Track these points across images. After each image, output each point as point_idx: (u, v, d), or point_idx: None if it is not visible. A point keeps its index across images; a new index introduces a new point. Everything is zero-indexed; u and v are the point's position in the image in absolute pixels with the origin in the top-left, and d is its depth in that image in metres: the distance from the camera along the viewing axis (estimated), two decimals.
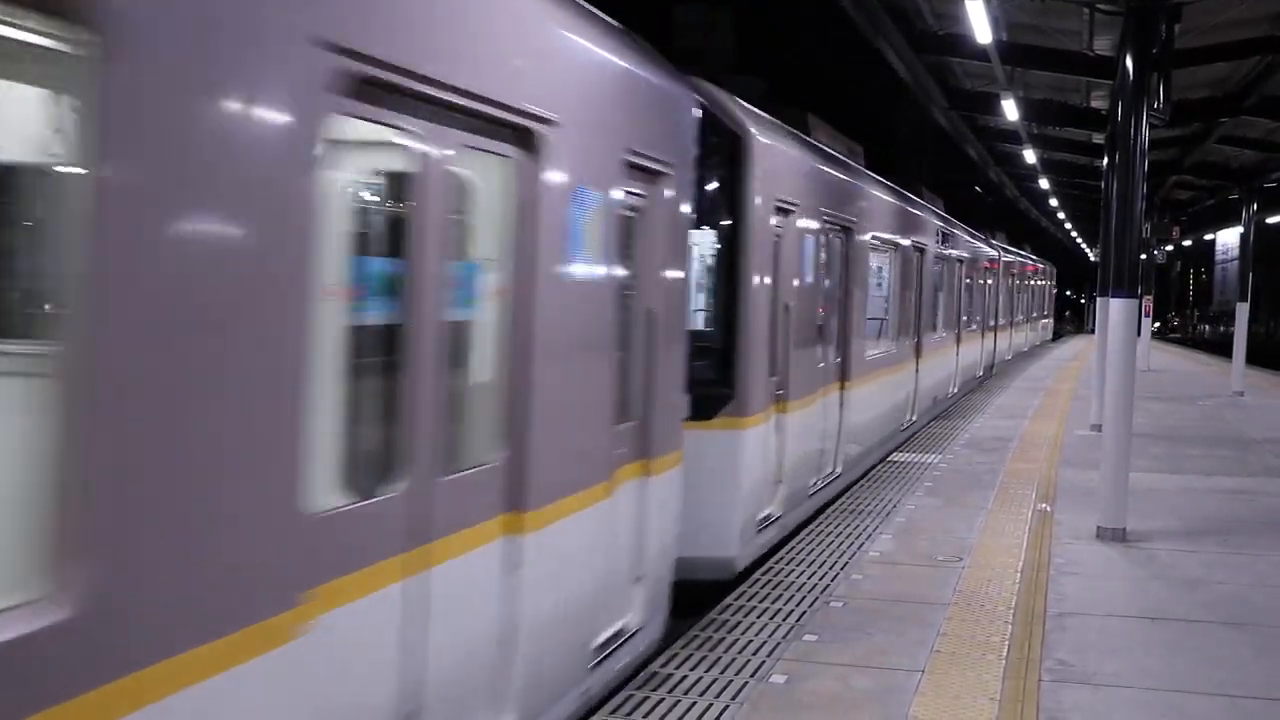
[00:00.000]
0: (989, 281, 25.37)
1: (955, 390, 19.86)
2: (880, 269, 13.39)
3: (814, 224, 9.53)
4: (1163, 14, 9.79)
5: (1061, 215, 44.60)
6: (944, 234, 17.80)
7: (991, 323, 26.17)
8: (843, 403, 10.86)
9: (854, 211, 11.09)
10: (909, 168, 29.25)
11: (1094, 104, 19.18)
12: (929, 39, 15.81)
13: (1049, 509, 10.37)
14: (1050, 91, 18.96)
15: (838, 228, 10.60)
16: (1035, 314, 40.98)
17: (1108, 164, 16.89)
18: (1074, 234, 55.74)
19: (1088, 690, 5.83)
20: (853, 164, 11.89)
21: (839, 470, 10.86)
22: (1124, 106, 9.88)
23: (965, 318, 21.11)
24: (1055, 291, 53.81)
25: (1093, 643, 6.57)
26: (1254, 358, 26.75)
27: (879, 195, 12.73)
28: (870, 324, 12.46)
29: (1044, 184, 31.42)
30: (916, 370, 15.31)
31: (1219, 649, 6.54)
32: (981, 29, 12.82)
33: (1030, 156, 24.44)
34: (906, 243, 14.32)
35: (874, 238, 12.17)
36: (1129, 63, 9.74)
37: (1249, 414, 19.40)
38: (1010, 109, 17.86)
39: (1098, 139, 20.76)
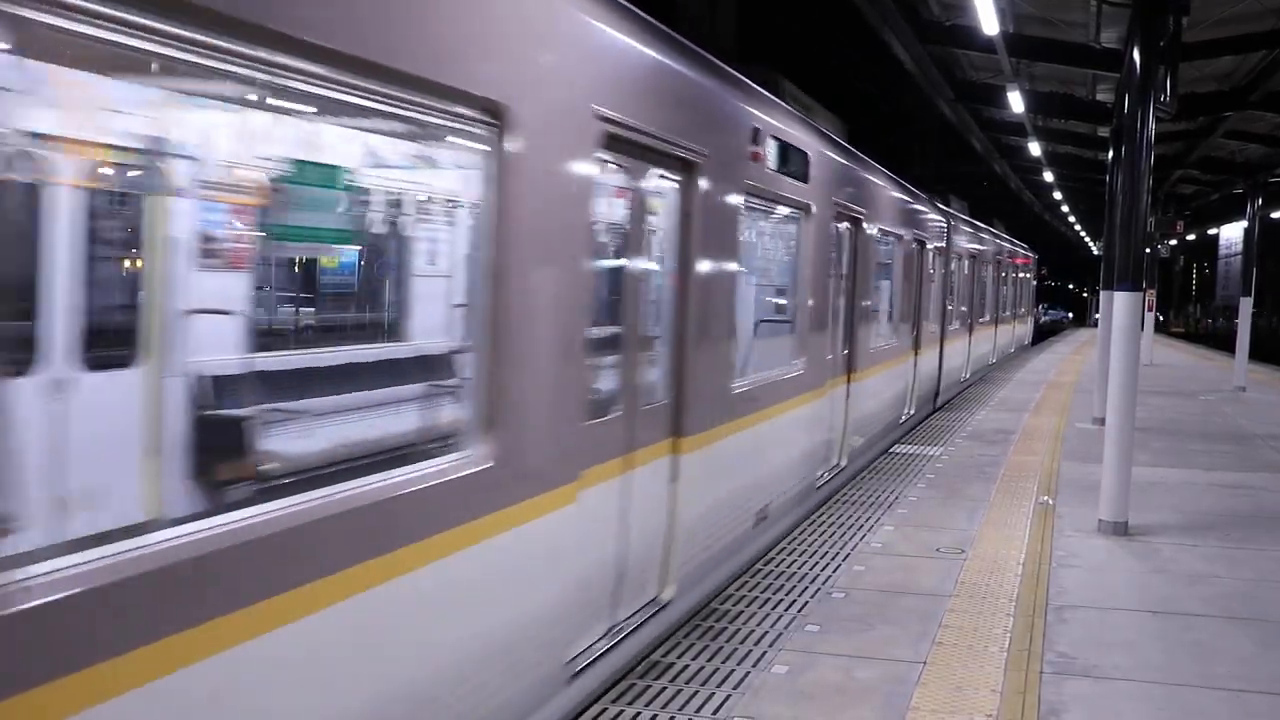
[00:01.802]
0: (932, 267, 16.88)
1: (841, 463, 10.92)
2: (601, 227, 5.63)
3: None
4: (1170, 7, 9.76)
5: (1065, 208, 44.58)
6: (821, 171, 9.27)
7: (935, 328, 17.43)
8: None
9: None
10: (912, 156, 29.26)
11: (1100, 97, 19.16)
12: (935, 30, 15.80)
13: (1051, 502, 10.37)
14: (1056, 84, 18.95)
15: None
16: (1011, 312, 30.44)
17: (1113, 157, 16.85)
18: (1077, 227, 55.75)
19: (1088, 683, 5.83)
20: None
21: None
22: (1130, 100, 9.85)
23: (881, 326, 13.30)
24: (1036, 284, 43.26)
25: (1094, 636, 6.57)
26: (1256, 353, 26.75)
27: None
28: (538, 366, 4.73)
29: (1048, 177, 31.40)
30: (762, 447, 7.89)
31: (1221, 643, 6.54)
32: (988, 20, 12.80)
33: (1035, 149, 24.41)
34: (688, 175, 6.23)
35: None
36: (1136, 56, 9.72)
37: (1250, 409, 19.39)
38: (1016, 101, 17.84)
39: (1103, 132, 20.73)
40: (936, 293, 17.63)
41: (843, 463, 11.06)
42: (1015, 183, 37.16)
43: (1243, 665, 6.19)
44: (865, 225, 11.36)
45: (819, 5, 24.63)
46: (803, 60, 24.05)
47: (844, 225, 10.65)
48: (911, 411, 15.60)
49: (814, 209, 9.14)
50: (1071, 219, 50.89)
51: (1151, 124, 9.65)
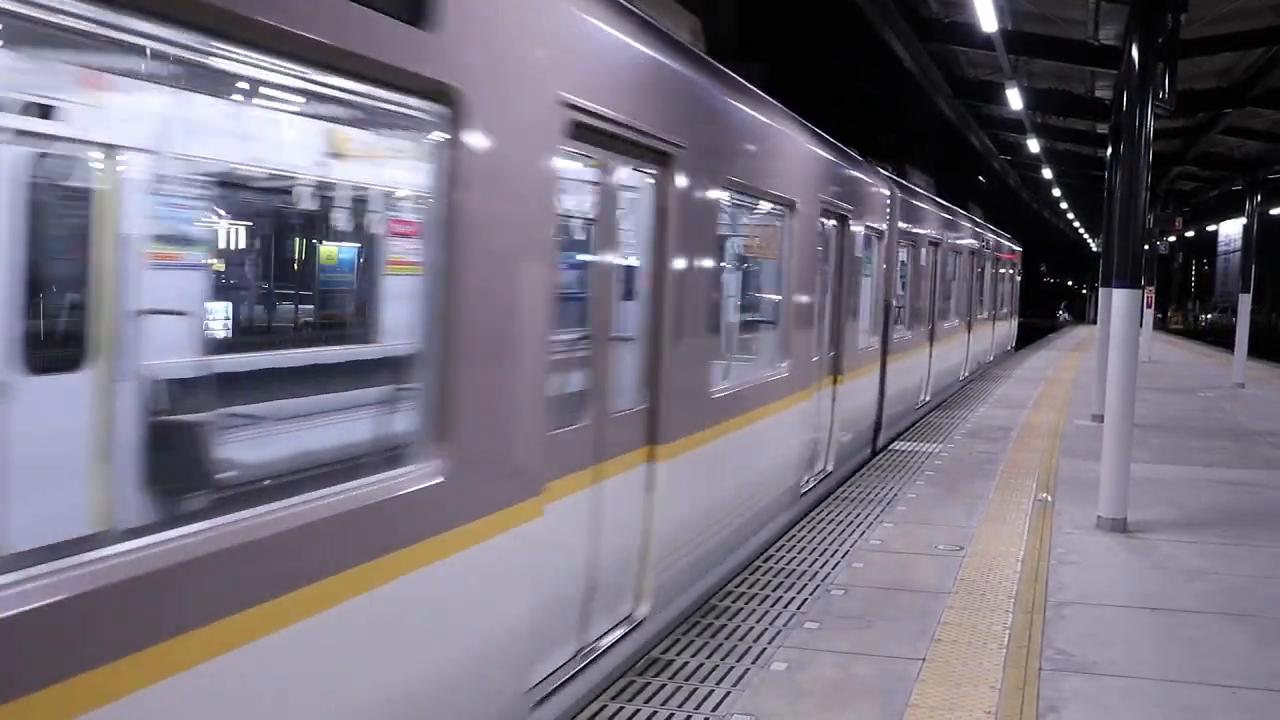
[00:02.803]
0: (865, 254, 12.20)
1: (634, 613, 5.92)
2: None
3: None
4: (1169, 4, 9.77)
5: (1064, 205, 44.61)
6: (508, 21, 4.04)
7: (872, 341, 13.00)
8: None
9: None
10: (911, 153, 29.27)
11: (1098, 94, 19.18)
12: (934, 28, 15.82)
13: (1049, 499, 10.38)
14: (1055, 81, 18.97)
15: None
16: (989, 314, 25.64)
17: (1112, 154, 16.88)
18: (1076, 224, 55.78)
19: (1087, 679, 5.85)
20: None
21: None
22: (1129, 97, 9.86)
23: (757, 347, 9.00)
24: (1021, 280, 35.72)
25: (1092, 632, 6.59)
26: (1255, 349, 26.77)
27: None
28: None
29: (1047, 174, 31.42)
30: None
31: (1218, 640, 6.56)
32: (987, 17, 12.81)
33: (1034, 146, 24.43)
34: None
35: None
36: (1134, 52, 9.72)
37: (1249, 405, 19.41)
38: (1014, 98, 17.86)
39: (1101, 129, 20.75)
40: (873, 292, 13.09)
41: (639, 611, 5.96)
42: (1014, 180, 37.18)
43: (1239, 662, 6.20)
44: (685, 172, 6.10)
45: (819, 4, 24.62)
46: (803, 59, 24.05)
47: (621, 168, 5.56)
48: (829, 467, 10.80)
49: (479, 103, 3.86)
50: (1070, 216, 50.94)
51: (1150, 121, 9.66)
